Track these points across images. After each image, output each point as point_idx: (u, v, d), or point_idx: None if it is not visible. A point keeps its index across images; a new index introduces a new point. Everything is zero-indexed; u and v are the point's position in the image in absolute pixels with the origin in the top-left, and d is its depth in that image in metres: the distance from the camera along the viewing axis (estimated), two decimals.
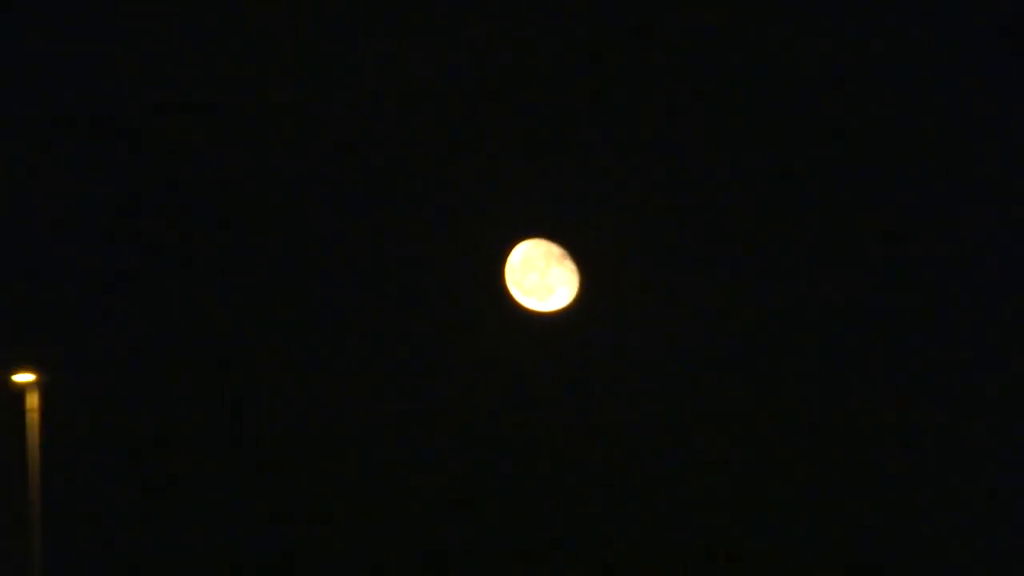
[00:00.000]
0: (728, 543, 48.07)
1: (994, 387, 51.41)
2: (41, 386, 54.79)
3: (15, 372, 54.50)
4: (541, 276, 52.04)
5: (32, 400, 54.23)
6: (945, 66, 55.85)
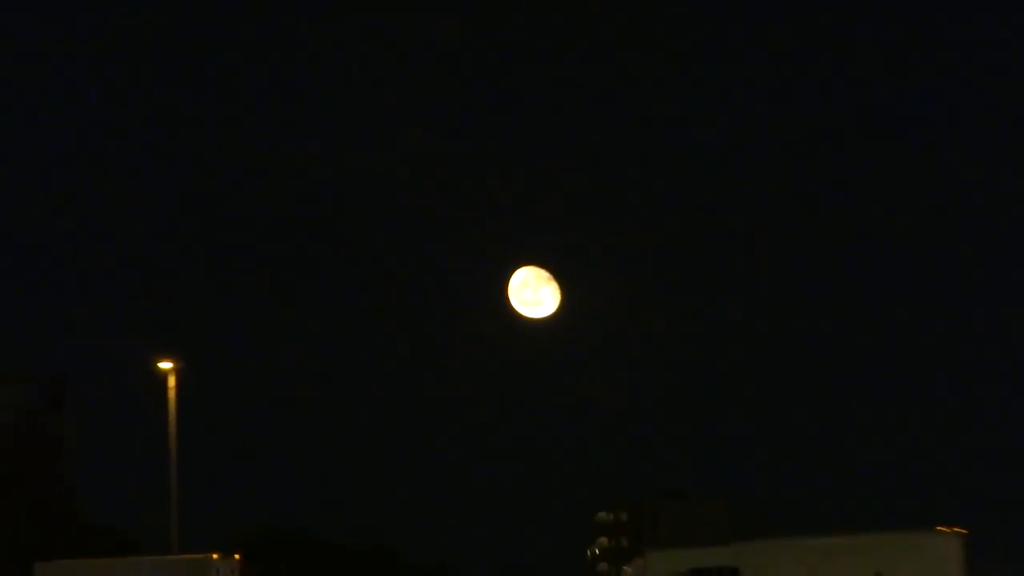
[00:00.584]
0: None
1: None
2: (178, 371, 73.11)
3: (158, 360, 73.30)
4: (534, 292, 73.40)
5: (171, 382, 71.49)
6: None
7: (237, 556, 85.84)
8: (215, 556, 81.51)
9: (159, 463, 73.00)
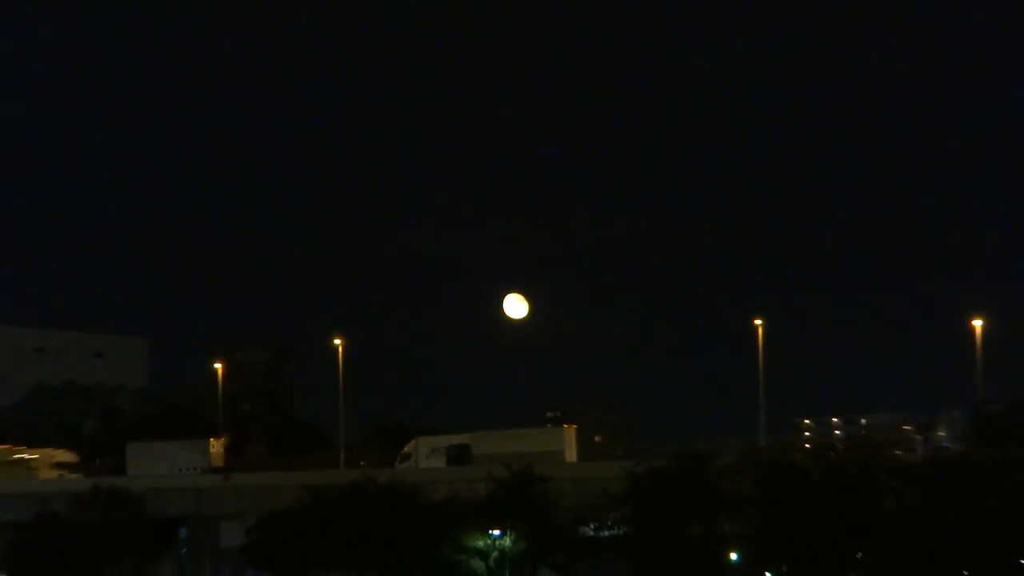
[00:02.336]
0: None
1: None
2: (345, 347, 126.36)
3: (335, 338, 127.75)
4: (516, 303, 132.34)
5: (340, 354, 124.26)
6: None
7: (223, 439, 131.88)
8: (212, 440, 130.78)
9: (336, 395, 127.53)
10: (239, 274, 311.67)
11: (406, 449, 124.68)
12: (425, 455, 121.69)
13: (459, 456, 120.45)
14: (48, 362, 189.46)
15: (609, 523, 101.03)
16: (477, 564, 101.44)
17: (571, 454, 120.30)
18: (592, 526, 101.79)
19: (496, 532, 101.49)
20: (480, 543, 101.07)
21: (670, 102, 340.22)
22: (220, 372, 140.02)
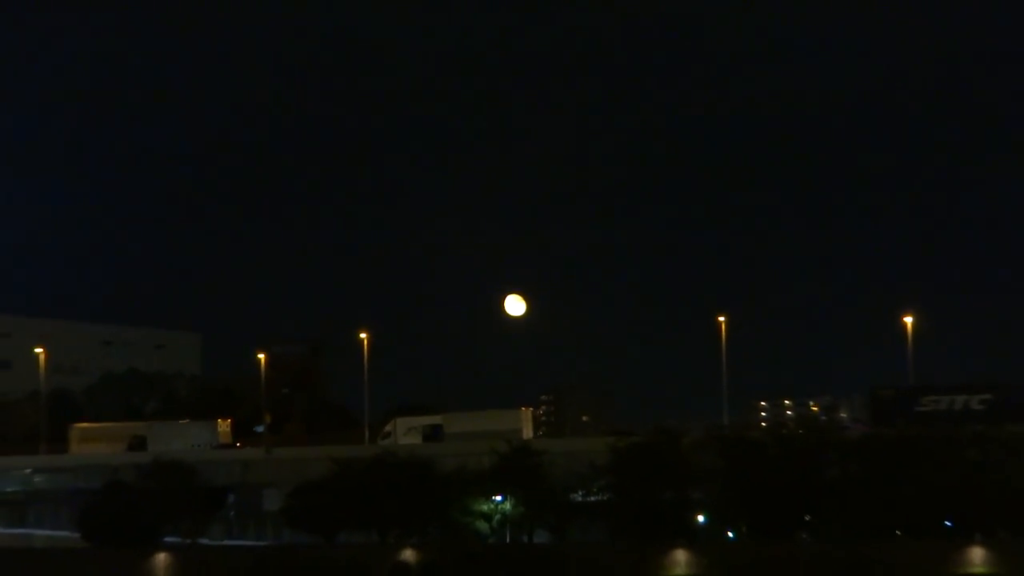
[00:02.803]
0: None
1: None
2: (370, 340, 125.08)
3: (360, 332, 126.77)
4: (516, 302, 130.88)
5: (365, 349, 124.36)
6: None
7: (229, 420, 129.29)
8: (220, 421, 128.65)
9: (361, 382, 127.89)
10: (280, 275, 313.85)
11: (387, 428, 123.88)
12: (403, 433, 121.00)
13: (433, 434, 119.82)
14: (115, 353, 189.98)
15: (595, 490, 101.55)
16: (482, 525, 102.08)
17: (528, 431, 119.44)
18: (580, 493, 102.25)
19: (498, 498, 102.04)
20: (485, 507, 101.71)
21: (643, 128, 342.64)
22: (263, 362, 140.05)
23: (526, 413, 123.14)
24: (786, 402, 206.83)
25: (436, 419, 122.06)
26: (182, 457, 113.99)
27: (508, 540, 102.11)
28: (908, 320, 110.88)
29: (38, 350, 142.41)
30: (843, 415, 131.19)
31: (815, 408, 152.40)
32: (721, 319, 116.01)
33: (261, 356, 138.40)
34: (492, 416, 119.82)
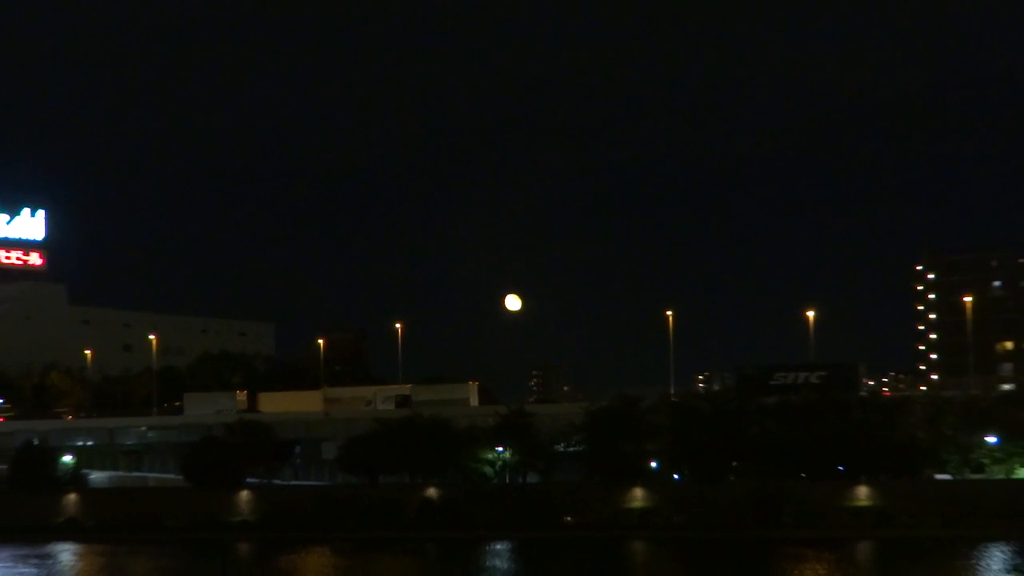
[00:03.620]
0: None
1: None
2: (404, 330, 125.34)
3: (396, 323, 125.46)
4: (513, 299, 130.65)
5: (399, 337, 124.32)
6: None
7: (245, 392, 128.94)
8: (238, 392, 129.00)
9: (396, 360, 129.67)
10: (335, 277, 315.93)
11: (369, 397, 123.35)
12: (380, 401, 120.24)
13: (404, 402, 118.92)
14: (210, 339, 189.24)
15: (573, 442, 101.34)
16: (487, 469, 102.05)
17: (474, 400, 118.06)
18: (562, 445, 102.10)
19: (500, 449, 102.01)
20: (489, 456, 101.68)
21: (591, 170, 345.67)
22: (322, 345, 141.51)
23: (471, 387, 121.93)
24: (699, 377, 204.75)
25: (406, 390, 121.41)
26: (259, 418, 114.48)
27: (507, 481, 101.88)
28: (809, 314, 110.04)
29: (151, 337, 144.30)
30: (716, 387, 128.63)
31: (701, 383, 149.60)
32: (669, 313, 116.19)
33: (320, 341, 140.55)
34: (446, 388, 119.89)
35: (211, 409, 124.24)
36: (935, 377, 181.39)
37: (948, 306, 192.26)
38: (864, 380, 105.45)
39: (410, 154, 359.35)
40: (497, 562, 78.77)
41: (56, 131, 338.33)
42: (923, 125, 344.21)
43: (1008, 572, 65.01)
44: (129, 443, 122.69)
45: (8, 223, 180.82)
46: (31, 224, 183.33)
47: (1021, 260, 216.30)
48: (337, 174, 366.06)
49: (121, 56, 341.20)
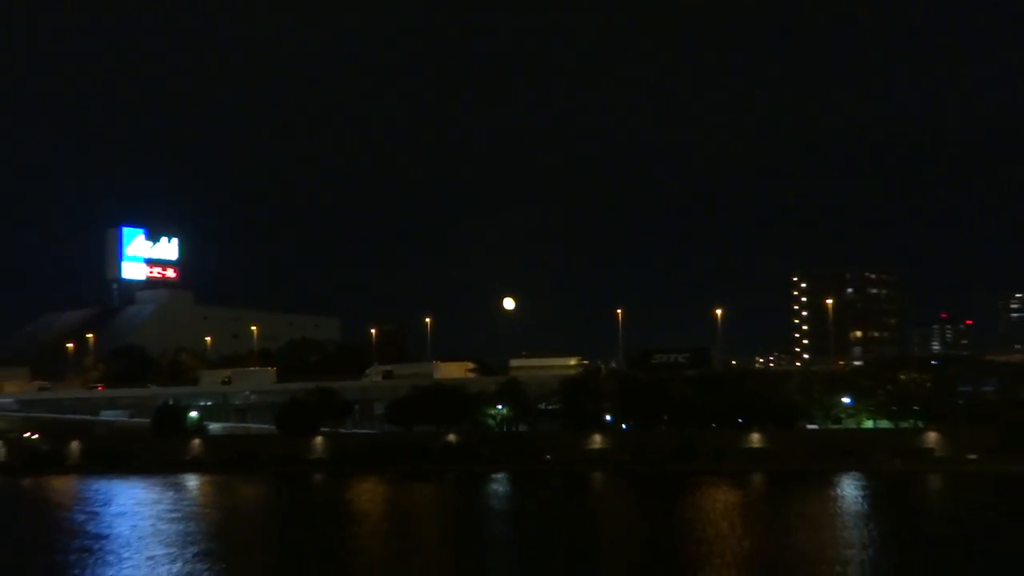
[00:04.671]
0: None
1: None
2: (432, 324, 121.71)
3: (425, 319, 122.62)
4: (509, 302, 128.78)
5: (428, 331, 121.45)
6: None
7: (275, 369, 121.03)
8: (270, 368, 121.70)
9: (425, 345, 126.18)
10: (385, 281, 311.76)
11: (367, 372, 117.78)
12: (374, 375, 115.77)
13: (387, 375, 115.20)
14: (294, 329, 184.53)
15: (552, 402, 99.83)
16: (491, 422, 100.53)
17: (438, 373, 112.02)
18: (544, 403, 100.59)
19: (499, 407, 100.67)
20: (492, 411, 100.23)
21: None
22: (374, 335, 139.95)
23: (437, 364, 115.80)
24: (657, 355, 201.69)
25: (389, 368, 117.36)
26: (334, 387, 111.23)
27: (505, 430, 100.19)
28: (722, 311, 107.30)
29: (253, 328, 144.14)
30: (613, 365, 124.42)
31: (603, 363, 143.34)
32: (618, 312, 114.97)
33: (373, 331, 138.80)
34: (419, 365, 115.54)
35: (250, 384, 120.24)
36: (807, 356, 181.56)
37: (815, 306, 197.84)
38: (717, 359, 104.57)
39: (451, 188, 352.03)
40: (497, 488, 78.09)
41: (184, 179, 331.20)
42: (803, 175, 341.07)
43: None
44: (237, 403, 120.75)
45: (152, 247, 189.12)
46: (168, 248, 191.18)
47: (867, 274, 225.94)
48: (385, 202, 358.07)
49: (257, 118, 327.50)
